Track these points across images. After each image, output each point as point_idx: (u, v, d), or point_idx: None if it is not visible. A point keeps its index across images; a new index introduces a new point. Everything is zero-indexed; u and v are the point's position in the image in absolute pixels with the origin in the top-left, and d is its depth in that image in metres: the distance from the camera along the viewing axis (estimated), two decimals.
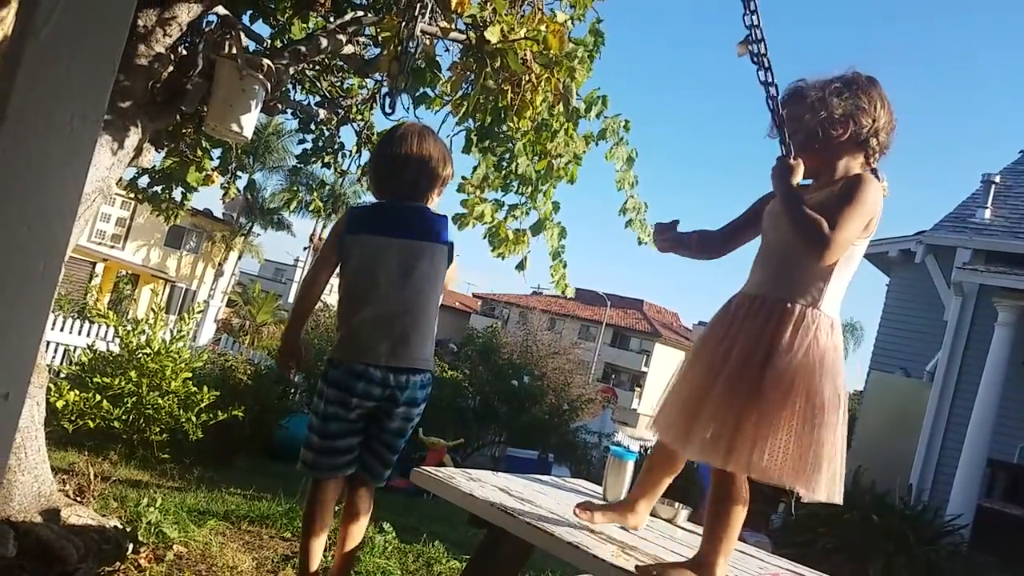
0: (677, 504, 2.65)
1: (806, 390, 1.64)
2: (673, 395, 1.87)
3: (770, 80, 1.75)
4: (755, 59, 1.79)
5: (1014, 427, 8.04)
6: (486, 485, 2.38)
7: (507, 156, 4.02)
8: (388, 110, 1.92)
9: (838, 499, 1.70)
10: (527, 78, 3.38)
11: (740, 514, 1.77)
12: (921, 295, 9.58)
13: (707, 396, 1.73)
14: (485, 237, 4.23)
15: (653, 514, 2.62)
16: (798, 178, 1.73)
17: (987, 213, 8.62)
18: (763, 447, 1.64)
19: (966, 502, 7.20)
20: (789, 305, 1.71)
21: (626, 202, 4.35)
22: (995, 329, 7.51)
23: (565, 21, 3.71)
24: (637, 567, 1.78)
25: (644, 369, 45.03)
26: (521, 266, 4.43)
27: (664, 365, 45.42)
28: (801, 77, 1.83)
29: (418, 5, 1.47)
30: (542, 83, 3.45)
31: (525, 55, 3.27)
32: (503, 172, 4.06)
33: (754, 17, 1.77)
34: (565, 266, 4.51)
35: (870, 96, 1.78)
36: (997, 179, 8.82)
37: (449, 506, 2.39)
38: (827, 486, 1.67)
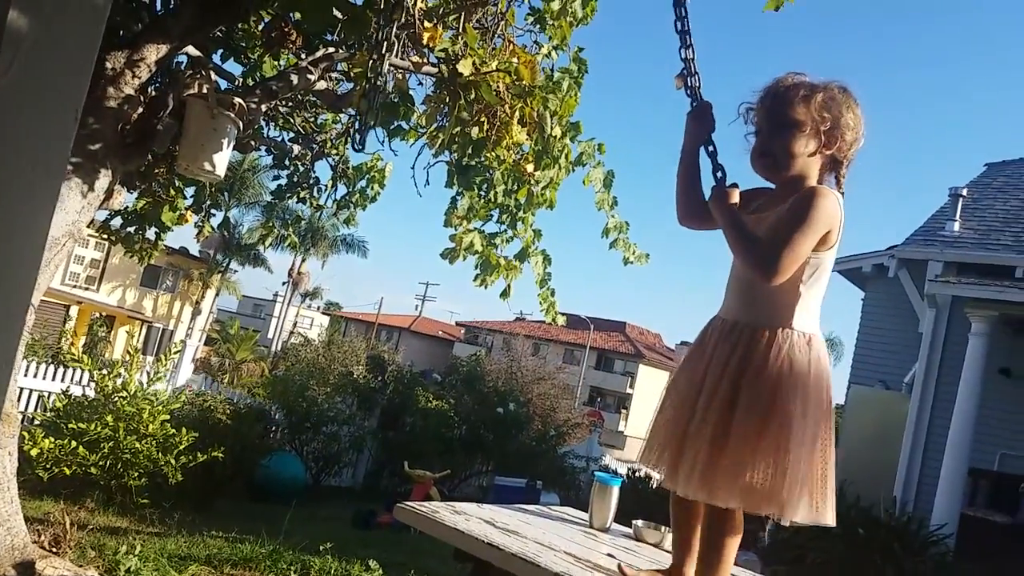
0: (664, 528, 2.63)
1: (782, 412, 1.58)
2: (654, 428, 1.83)
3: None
4: (689, 92, 1.83)
5: (993, 435, 8.12)
6: (471, 518, 2.35)
7: (485, 186, 4.05)
8: (358, 146, 1.92)
9: (827, 520, 1.61)
10: (501, 109, 3.42)
11: (734, 545, 1.72)
12: (896, 308, 9.72)
13: (685, 428, 1.68)
14: (477, 267, 4.24)
15: (639, 538, 2.61)
16: (734, 202, 1.70)
17: (956, 226, 8.80)
18: (740, 477, 1.58)
19: (950, 511, 7.22)
20: (759, 329, 1.66)
21: (608, 223, 4.38)
22: (969, 339, 7.60)
23: (549, 52, 3.77)
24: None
25: (629, 391, 45.10)
26: (505, 294, 4.44)
27: (649, 386, 45.49)
28: (787, 75, 1.73)
29: (385, 43, 1.48)
30: (515, 113, 3.49)
31: (498, 87, 3.31)
32: (485, 200, 4.09)
33: (689, 51, 1.81)
34: (553, 293, 4.51)
35: (855, 113, 1.69)
36: (964, 192, 9.01)
37: (436, 540, 2.36)
38: (807, 508, 1.60)
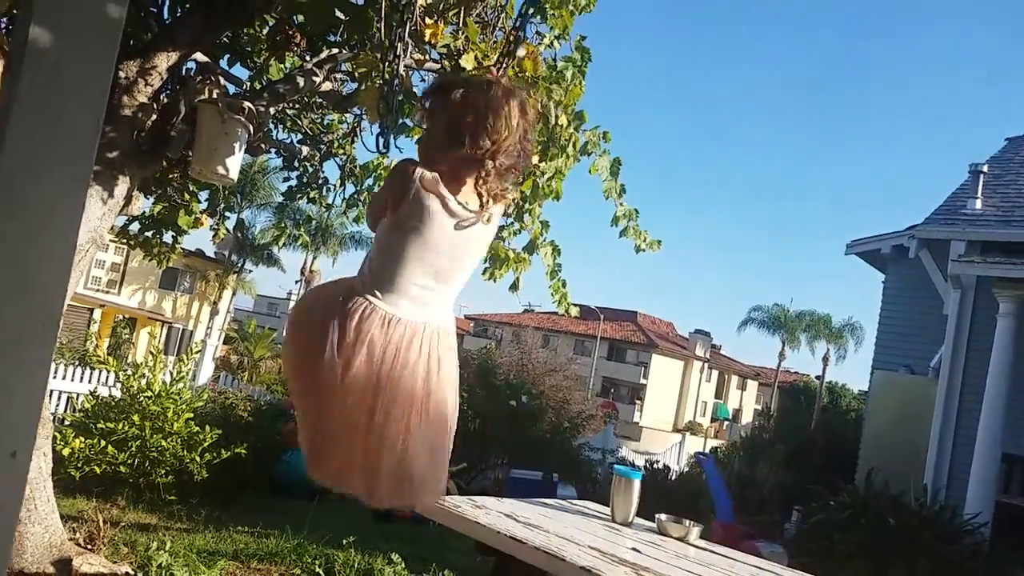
0: (688, 522, 2.63)
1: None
2: None
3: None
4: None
5: None
6: (492, 512, 2.37)
7: None
8: (383, 149, 1.94)
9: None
10: None
11: None
12: (918, 290, 9.48)
13: None
14: (485, 260, 4.24)
15: (663, 532, 2.61)
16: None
17: (978, 203, 8.51)
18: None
19: (984, 499, 6.98)
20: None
21: (616, 211, 4.34)
22: (997, 320, 7.38)
23: (551, 42, 3.76)
24: None
25: (643, 381, 44.87)
26: (514, 287, 4.44)
27: (663, 376, 45.24)
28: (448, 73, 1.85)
29: (399, 44, 1.50)
30: None
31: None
32: None
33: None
34: (564, 284, 4.50)
35: (498, 114, 1.67)
36: (985, 168, 8.72)
37: (456, 532, 2.39)
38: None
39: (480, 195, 1.69)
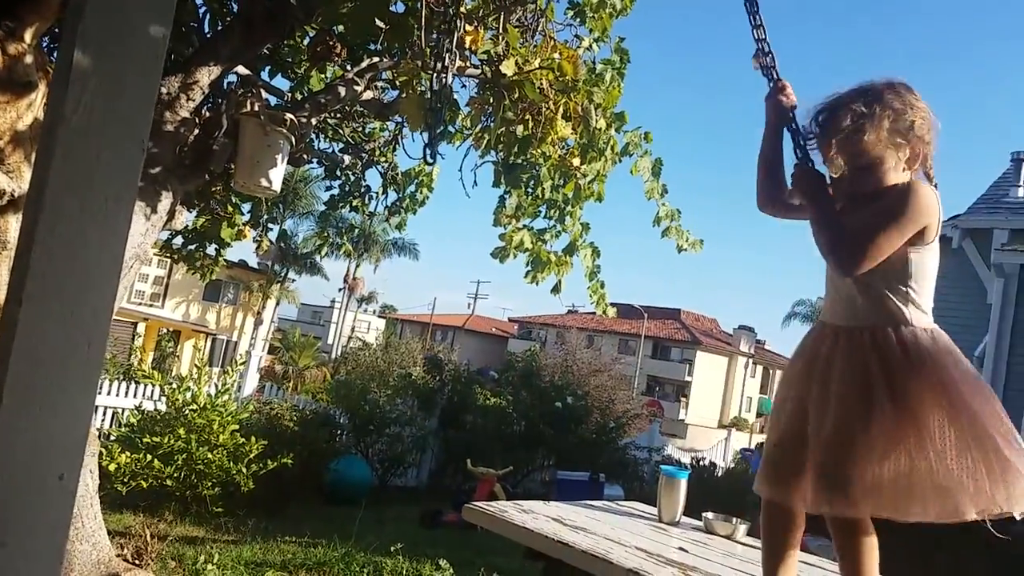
0: (735, 519, 2.60)
1: (935, 410, 1.52)
2: (769, 446, 1.77)
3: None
4: (764, 72, 1.82)
5: None
6: (539, 516, 2.35)
7: (532, 183, 4.05)
8: (430, 160, 1.94)
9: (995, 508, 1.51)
10: (546, 106, 3.41)
11: (873, 545, 1.73)
12: (962, 280, 9.39)
13: (809, 441, 1.61)
14: (527, 264, 4.24)
15: (710, 531, 2.57)
16: (821, 183, 1.70)
17: (1020, 191, 8.49)
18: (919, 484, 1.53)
19: None
20: (881, 333, 1.61)
21: (659, 212, 4.32)
22: None
23: (590, 45, 3.75)
24: None
25: (688, 379, 44.47)
26: (556, 289, 4.43)
27: (707, 373, 44.75)
28: (832, 94, 1.71)
29: (447, 55, 1.48)
30: (560, 108, 3.47)
31: (542, 84, 3.30)
32: (532, 197, 4.09)
33: (760, 31, 1.80)
34: (603, 286, 4.48)
35: (920, 110, 1.65)
36: None
37: (503, 536, 2.37)
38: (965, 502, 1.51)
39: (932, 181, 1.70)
